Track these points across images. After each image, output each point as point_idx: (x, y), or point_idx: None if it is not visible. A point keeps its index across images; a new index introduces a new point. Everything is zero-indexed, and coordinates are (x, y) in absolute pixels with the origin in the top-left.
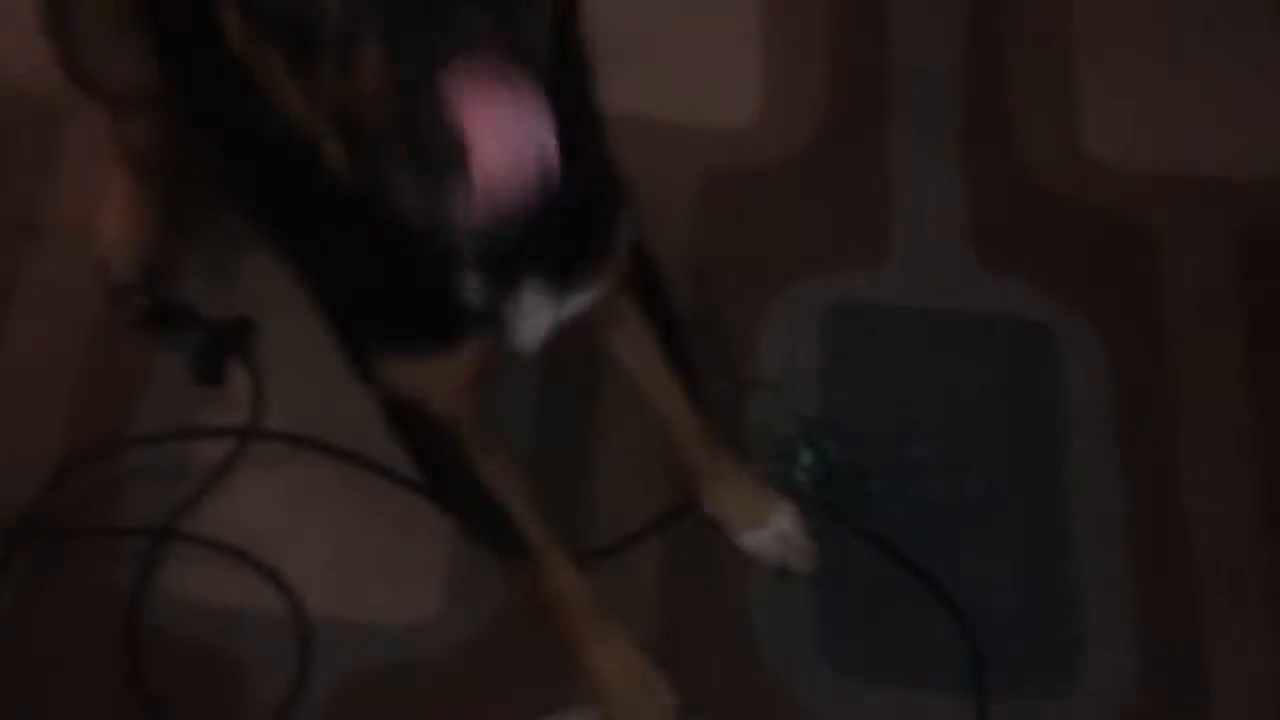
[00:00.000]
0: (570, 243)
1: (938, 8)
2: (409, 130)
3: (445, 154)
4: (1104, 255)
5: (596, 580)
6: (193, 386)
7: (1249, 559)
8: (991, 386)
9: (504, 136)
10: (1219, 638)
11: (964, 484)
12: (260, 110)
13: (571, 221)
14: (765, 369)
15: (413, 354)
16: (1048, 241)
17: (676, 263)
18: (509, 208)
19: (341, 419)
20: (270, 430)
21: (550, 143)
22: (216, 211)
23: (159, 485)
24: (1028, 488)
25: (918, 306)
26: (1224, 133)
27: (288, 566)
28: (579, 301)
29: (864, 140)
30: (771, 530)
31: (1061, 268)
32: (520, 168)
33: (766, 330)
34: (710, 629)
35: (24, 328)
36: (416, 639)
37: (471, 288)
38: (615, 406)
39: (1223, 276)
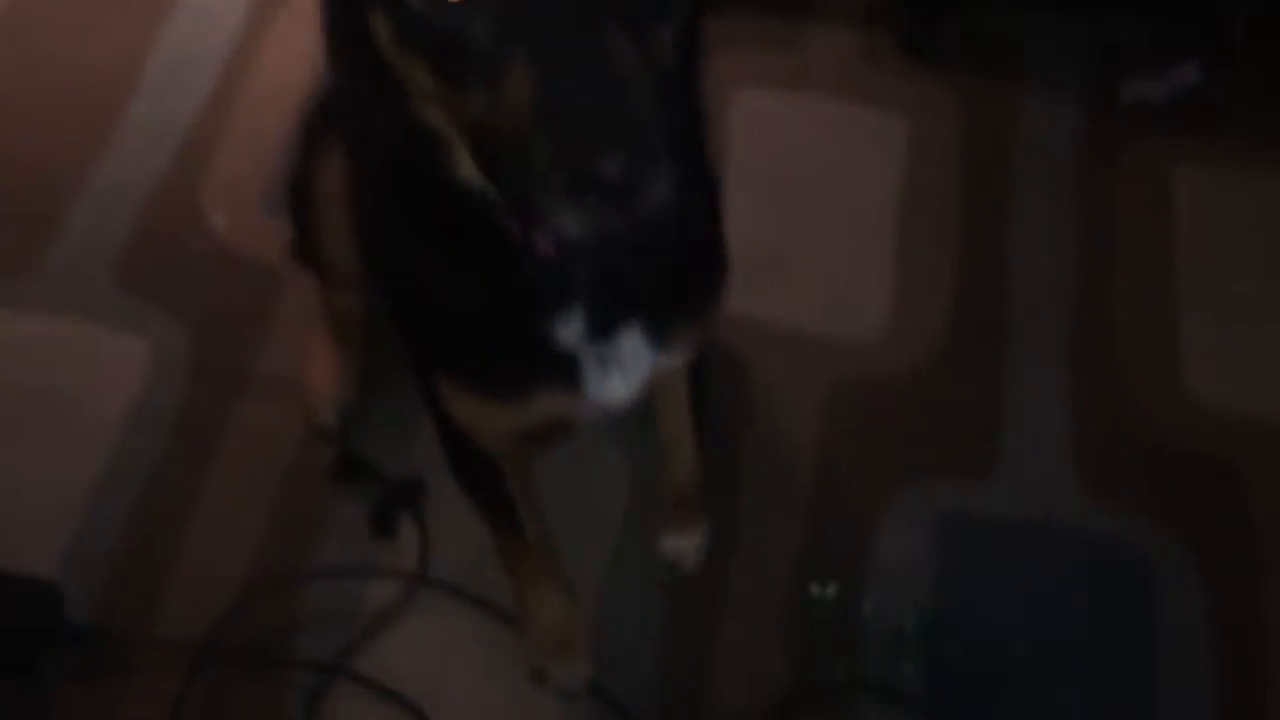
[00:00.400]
0: (671, 298)
1: (1052, 246)
2: (541, 149)
3: (570, 176)
4: (1201, 491)
5: None
6: (367, 536)
7: None
8: (1090, 603)
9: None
10: None
11: (1058, 692)
12: (395, 124)
13: (675, 276)
14: (879, 567)
15: (482, 391)
16: (1148, 473)
17: (801, 460)
18: (610, 239)
19: (497, 576)
20: (433, 580)
21: (663, 185)
22: (399, 376)
23: (331, 622)
24: (1120, 703)
25: (1024, 520)
26: None
27: (441, 712)
28: (671, 359)
29: (980, 361)
30: (681, 541)
31: (1160, 499)
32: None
33: (882, 531)
34: None
35: (226, 468)
36: None
37: (569, 323)
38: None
39: None
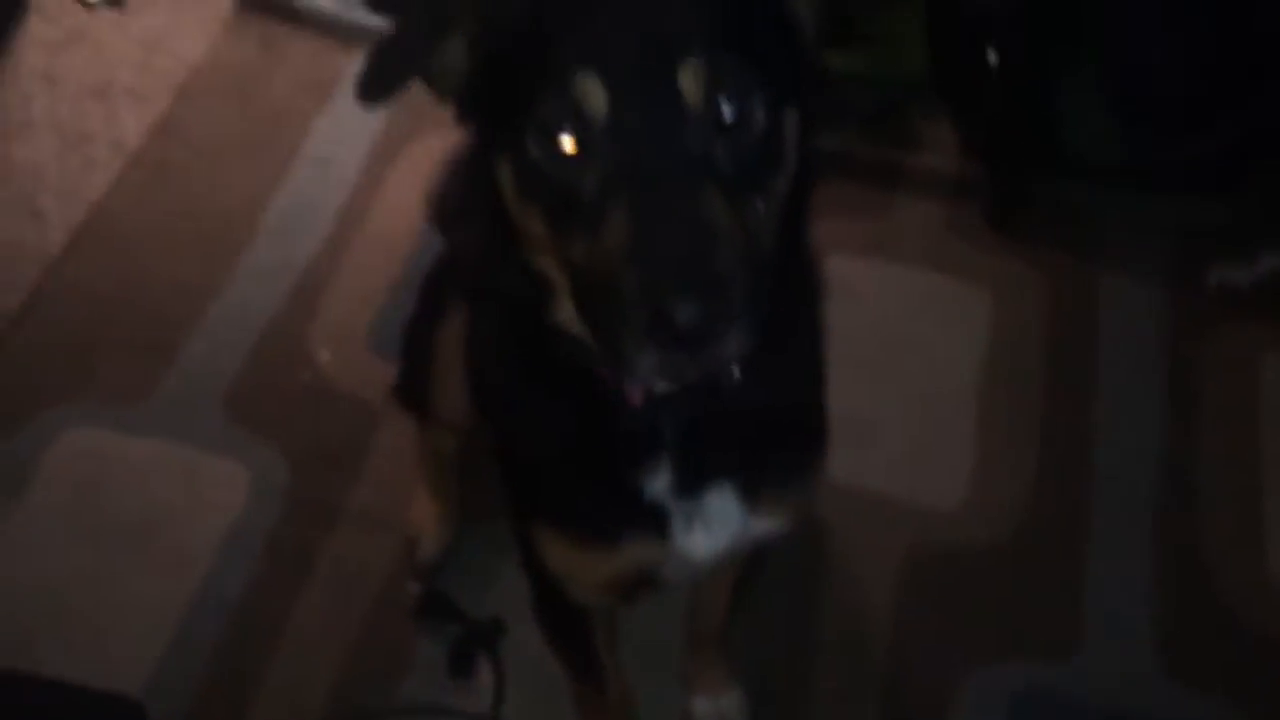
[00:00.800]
0: (765, 461)
1: (1135, 427)
2: (628, 289)
3: (648, 316)
4: None
5: None
6: (445, 674)
7: None
8: None
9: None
10: None
11: None
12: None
13: (770, 439)
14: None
15: (572, 538)
16: (1230, 659)
17: (877, 631)
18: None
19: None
20: None
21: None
22: (481, 522)
23: None
24: None
25: (1102, 704)
26: None
27: None
28: (765, 523)
29: (1061, 538)
30: (716, 704)
31: (1243, 686)
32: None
33: (955, 708)
34: None
35: (315, 598)
36: None
37: (658, 476)
38: None
39: None
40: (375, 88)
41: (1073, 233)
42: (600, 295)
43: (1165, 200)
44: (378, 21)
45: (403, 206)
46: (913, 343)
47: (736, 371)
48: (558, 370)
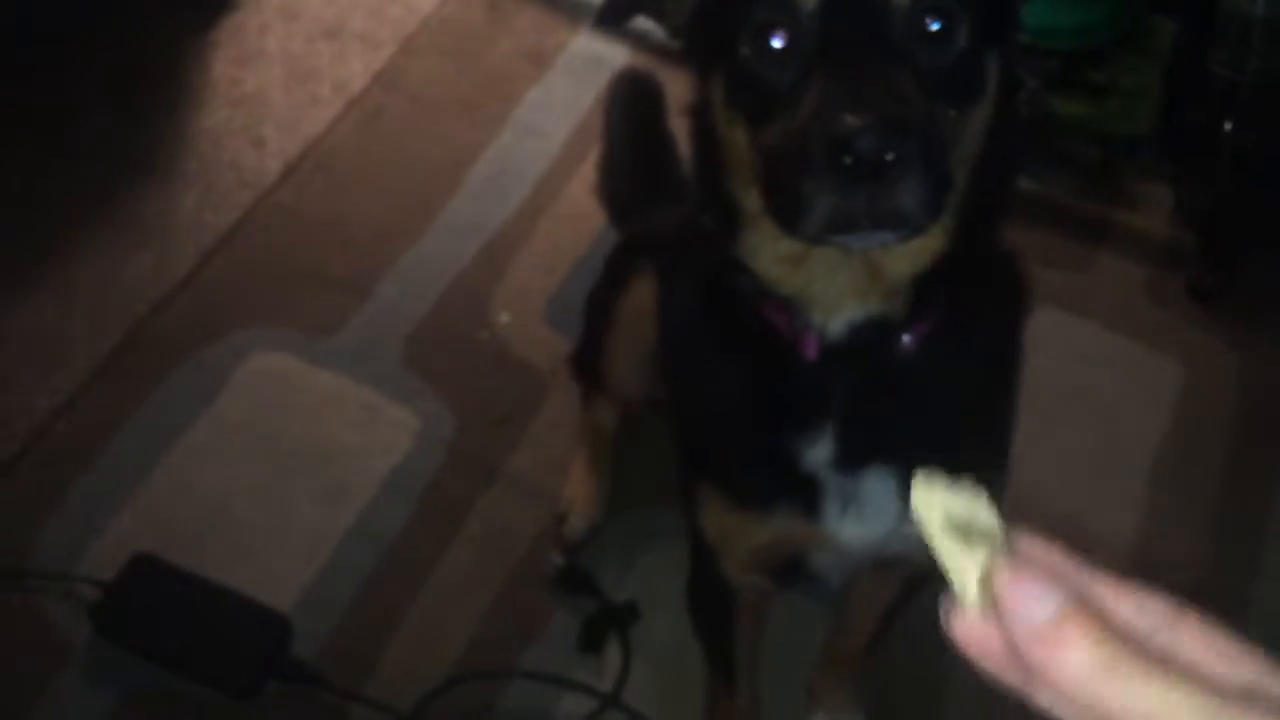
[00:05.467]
0: (935, 454)
1: None
2: (816, 135)
3: (828, 141)
4: None
5: None
6: (574, 647)
7: None
8: None
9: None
10: None
11: None
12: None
13: (942, 431)
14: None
15: (729, 499)
16: None
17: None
18: None
19: (685, 717)
20: (626, 704)
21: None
22: (638, 506)
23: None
24: None
25: None
26: None
27: None
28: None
29: (1221, 608)
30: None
31: None
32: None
33: None
34: None
35: (462, 551)
36: None
37: (819, 445)
38: None
39: None
40: (613, 11)
41: (1275, 311)
42: (787, 166)
43: None
44: None
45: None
46: (1091, 404)
47: (908, 339)
48: (739, 329)
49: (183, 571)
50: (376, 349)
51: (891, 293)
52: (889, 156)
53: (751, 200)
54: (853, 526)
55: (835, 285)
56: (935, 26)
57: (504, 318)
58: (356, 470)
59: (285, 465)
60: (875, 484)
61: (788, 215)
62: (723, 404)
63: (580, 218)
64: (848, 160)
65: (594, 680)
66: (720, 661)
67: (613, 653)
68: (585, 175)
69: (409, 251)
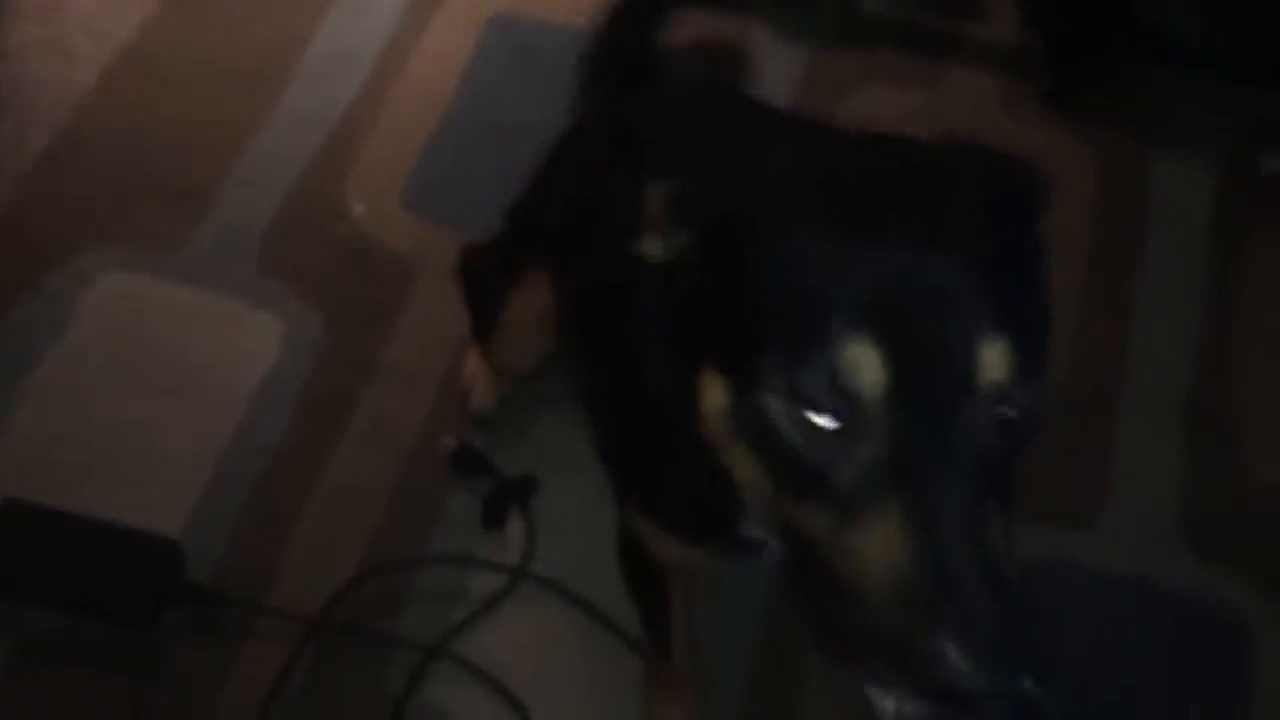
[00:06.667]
0: None
1: (1176, 307)
2: (890, 619)
3: (913, 674)
4: None
5: None
6: (478, 526)
7: None
8: (1182, 661)
9: None
10: None
11: None
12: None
13: None
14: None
15: (666, 529)
16: (1252, 538)
17: None
18: None
19: (597, 580)
20: (536, 574)
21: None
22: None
23: (436, 605)
24: None
25: (1123, 572)
26: None
27: (534, 701)
28: None
29: (1093, 411)
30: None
31: (1264, 565)
32: None
33: None
34: None
35: (349, 450)
36: None
37: (754, 529)
38: None
39: None
40: None
41: (1129, 115)
42: (838, 587)
43: (1230, 89)
44: None
45: (443, 55)
46: None
47: None
48: (690, 457)
49: (56, 511)
50: (229, 257)
51: None
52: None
53: (757, 505)
54: None
55: None
56: (1017, 412)
57: (359, 208)
58: (226, 384)
59: (150, 388)
60: None
61: (835, 640)
62: (662, 484)
63: (428, 92)
64: (937, 694)
65: (501, 556)
66: (656, 628)
67: (517, 527)
68: (426, 50)
69: (248, 150)
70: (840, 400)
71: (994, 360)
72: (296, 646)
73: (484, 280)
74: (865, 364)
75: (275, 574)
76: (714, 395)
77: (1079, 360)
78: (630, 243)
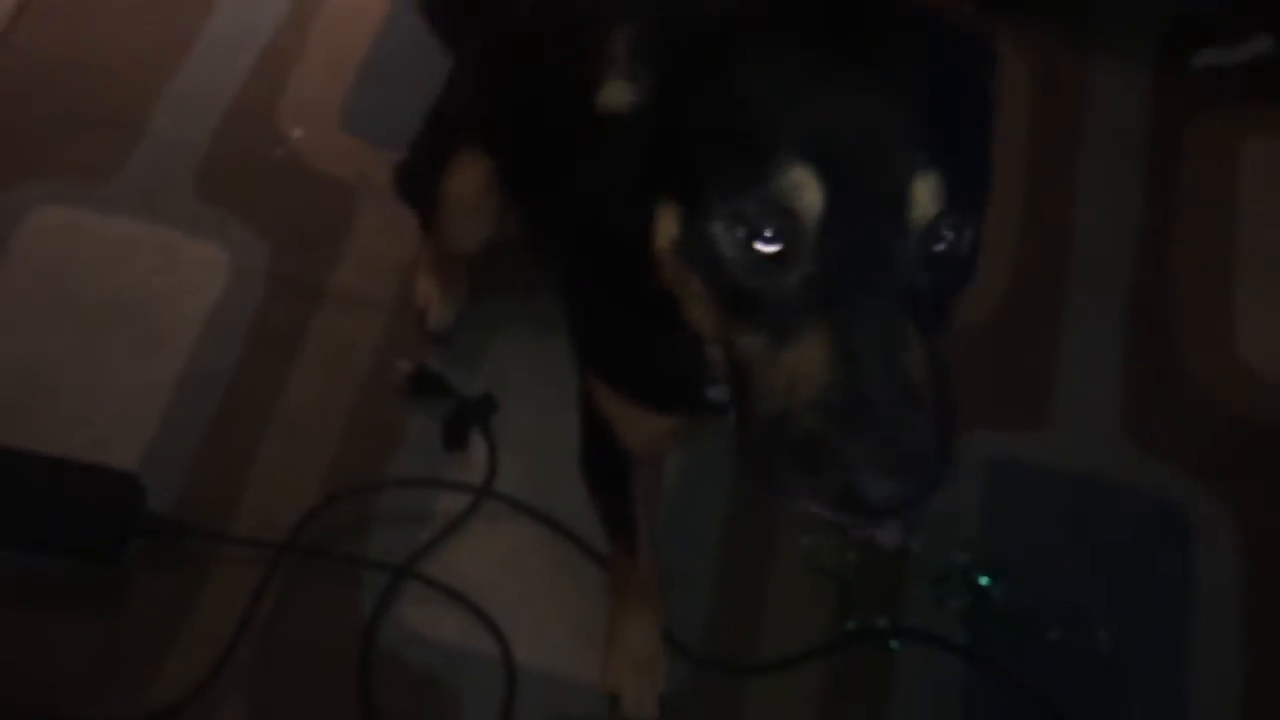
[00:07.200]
0: None
1: (1115, 208)
2: (818, 434)
3: (838, 487)
4: (1246, 452)
5: (755, 696)
6: (439, 448)
7: None
8: (1130, 554)
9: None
10: None
11: (1095, 637)
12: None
13: None
14: (926, 511)
15: (631, 399)
16: (1195, 433)
17: None
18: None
19: (559, 495)
20: (499, 492)
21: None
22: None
23: (402, 527)
24: (1152, 647)
25: (1071, 471)
26: None
27: (503, 616)
28: None
29: (1037, 316)
30: None
31: (1206, 459)
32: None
33: None
34: None
35: (304, 377)
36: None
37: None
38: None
39: None
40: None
41: (1060, 14)
42: (770, 401)
43: None
44: None
45: None
46: None
47: None
48: (652, 308)
49: (12, 450)
50: (165, 186)
51: None
52: (901, 508)
53: (707, 333)
54: None
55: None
56: (946, 244)
57: (297, 132)
58: (173, 316)
59: (93, 324)
60: None
61: (762, 459)
62: (629, 346)
63: (357, 16)
64: (857, 506)
65: (465, 475)
66: (620, 526)
67: (478, 446)
68: None
69: (177, 76)
70: (779, 222)
71: (926, 194)
72: (265, 573)
73: (418, 172)
74: (804, 187)
75: (237, 504)
76: (668, 227)
77: (1022, 270)
78: (589, 93)
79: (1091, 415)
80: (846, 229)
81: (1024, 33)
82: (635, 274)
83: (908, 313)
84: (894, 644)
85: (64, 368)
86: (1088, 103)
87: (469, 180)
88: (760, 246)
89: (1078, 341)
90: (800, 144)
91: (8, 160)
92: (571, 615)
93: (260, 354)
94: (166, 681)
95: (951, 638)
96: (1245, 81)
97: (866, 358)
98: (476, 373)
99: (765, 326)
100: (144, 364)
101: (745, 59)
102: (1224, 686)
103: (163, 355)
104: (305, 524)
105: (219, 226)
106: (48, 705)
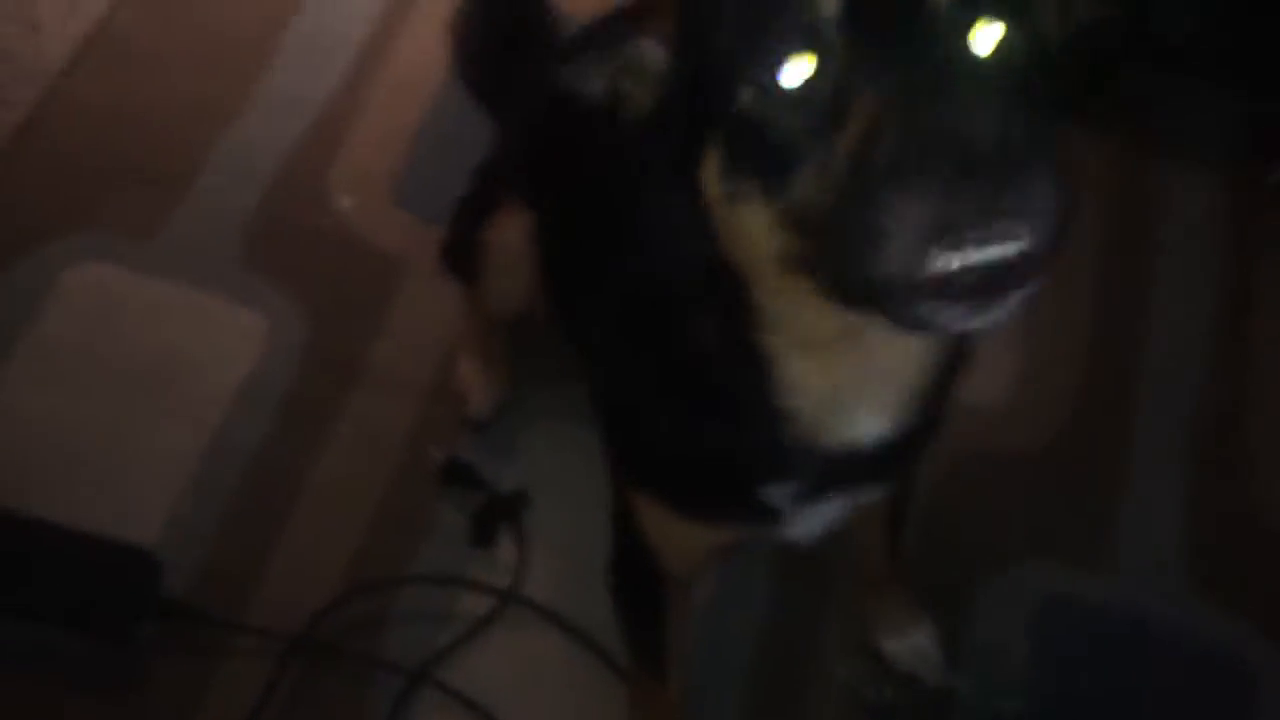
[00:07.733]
0: (889, 462)
1: (1188, 328)
2: (868, 229)
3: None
4: None
5: None
6: (466, 543)
7: None
8: (1188, 706)
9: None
10: None
11: None
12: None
13: (900, 458)
14: (974, 645)
15: (673, 510)
16: (1263, 580)
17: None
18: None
19: (588, 602)
20: (525, 598)
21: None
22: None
23: (421, 627)
24: None
25: (1128, 614)
26: None
27: None
28: (868, 499)
29: (1103, 443)
30: (908, 641)
31: (1273, 609)
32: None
33: (981, 609)
34: None
35: (333, 458)
36: None
37: (782, 490)
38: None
39: None
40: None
41: (1137, 121)
42: (842, 239)
43: (1235, 93)
44: None
45: (428, 45)
46: None
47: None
48: (704, 367)
49: (25, 518)
50: (208, 248)
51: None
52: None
53: (767, 267)
54: (810, 526)
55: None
56: (986, 44)
57: (346, 201)
58: (205, 384)
59: (124, 387)
60: (835, 500)
61: (856, 274)
62: (674, 436)
63: (414, 83)
64: (948, 154)
65: (491, 576)
66: (650, 652)
67: (507, 545)
68: (413, 35)
69: (227, 136)
70: (797, 40)
71: None
72: (277, 667)
73: (462, 228)
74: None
75: (255, 588)
76: (711, 171)
77: (1090, 394)
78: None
79: (1154, 553)
80: (866, 15)
81: (1094, 144)
82: (687, 310)
83: (960, 73)
84: None
85: (89, 431)
86: (1160, 211)
87: (511, 229)
88: (786, 83)
89: (1143, 472)
90: None
91: (51, 212)
92: None
93: (290, 431)
94: None
95: None
96: None
97: (915, 89)
98: (511, 466)
99: (815, 158)
100: (171, 432)
101: None
102: None
103: (191, 425)
104: (322, 617)
105: (260, 293)
106: None
